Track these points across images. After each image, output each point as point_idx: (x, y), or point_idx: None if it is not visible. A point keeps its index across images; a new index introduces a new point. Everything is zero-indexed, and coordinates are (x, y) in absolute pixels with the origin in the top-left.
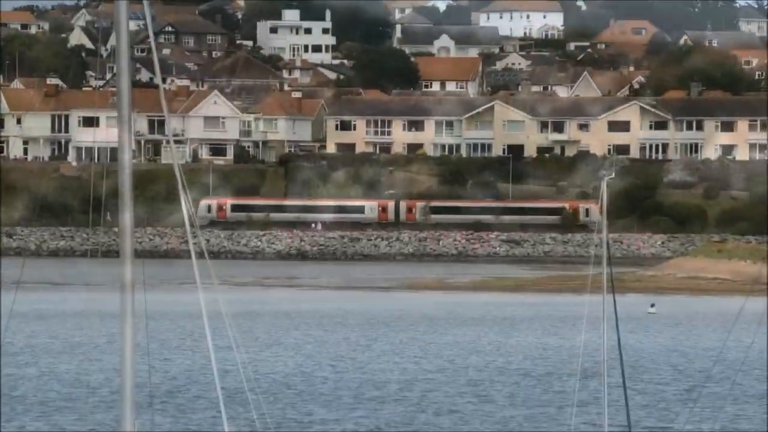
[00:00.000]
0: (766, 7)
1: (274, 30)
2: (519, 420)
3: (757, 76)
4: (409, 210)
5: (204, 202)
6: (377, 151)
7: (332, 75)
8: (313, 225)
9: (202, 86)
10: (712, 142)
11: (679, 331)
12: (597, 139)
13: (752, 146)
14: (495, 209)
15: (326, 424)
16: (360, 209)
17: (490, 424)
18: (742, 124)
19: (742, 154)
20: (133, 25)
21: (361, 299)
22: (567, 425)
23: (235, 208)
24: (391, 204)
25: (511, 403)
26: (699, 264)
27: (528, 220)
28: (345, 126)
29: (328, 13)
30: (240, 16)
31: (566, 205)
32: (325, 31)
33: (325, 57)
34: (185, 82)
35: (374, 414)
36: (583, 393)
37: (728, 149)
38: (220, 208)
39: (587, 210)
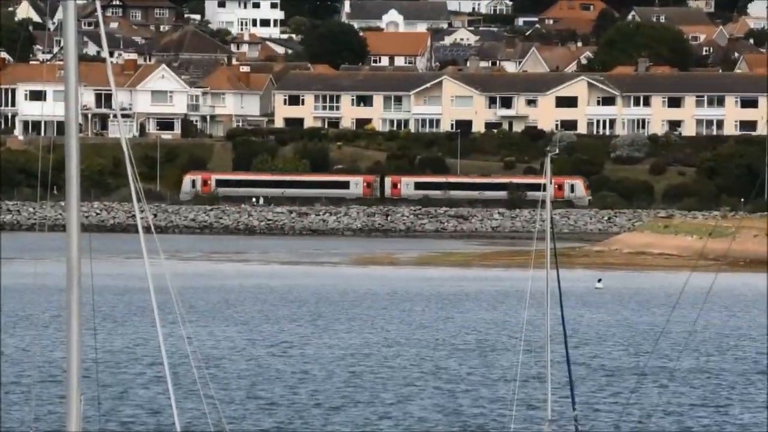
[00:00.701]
0: None
1: (222, 4)
2: (460, 395)
3: (704, 52)
4: (394, 185)
5: (188, 177)
6: (326, 126)
7: (280, 50)
8: (254, 200)
9: (150, 60)
10: (659, 117)
11: (624, 307)
12: (545, 115)
13: (699, 122)
14: (481, 185)
15: (269, 405)
16: (345, 184)
17: (430, 400)
18: (689, 100)
19: (688, 130)
20: None
21: (308, 274)
22: (508, 401)
23: (220, 183)
24: (376, 179)
25: (452, 378)
26: (646, 239)
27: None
28: (293, 101)
29: None
30: None
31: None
32: (273, 5)
33: (274, 31)
34: (133, 56)
35: (300, 392)
36: (528, 369)
37: (675, 125)
38: (205, 182)
39: (572, 186)
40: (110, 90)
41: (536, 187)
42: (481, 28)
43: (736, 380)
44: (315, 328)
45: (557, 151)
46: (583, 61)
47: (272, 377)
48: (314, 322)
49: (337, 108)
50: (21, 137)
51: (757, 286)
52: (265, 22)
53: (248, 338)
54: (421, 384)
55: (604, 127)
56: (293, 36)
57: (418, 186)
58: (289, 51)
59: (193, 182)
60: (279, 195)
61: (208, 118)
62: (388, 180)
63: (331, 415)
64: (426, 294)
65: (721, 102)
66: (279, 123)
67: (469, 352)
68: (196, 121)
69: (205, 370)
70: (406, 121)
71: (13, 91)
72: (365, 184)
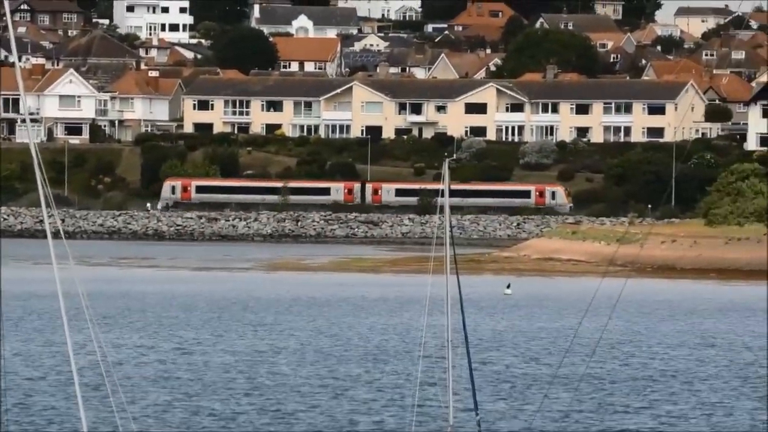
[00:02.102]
0: None
1: (130, 9)
2: (362, 401)
3: (612, 59)
4: (375, 192)
5: (168, 183)
6: (235, 131)
7: (190, 54)
8: (148, 205)
9: (58, 65)
10: (568, 124)
11: (533, 312)
12: (454, 121)
13: (606, 128)
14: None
15: (163, 411)
16: (326, 191)
17: (331, 406)
18: (597, 107)
19: (596, 137)
20: None
21: (217, 280)
22: (409, 407)
23: (200, 189)
24: (357, 186)
25: (353, 385)
26: (554, 245)
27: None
28: (203, 106)
29: None
30: None
31: (532, 188)
32: (182, 10)
33: (183, 36)
34: (40, 61)
35: (193, 401)
36: (429, 375)
37: (583, 131)
38: (185, 188)
39: (553, 193)
40: (17, 94)
41: (521, 194)
42: (390, 35)
43: (620, 386)
44: (212, 334)
45: (454, 157)
46: (492, 68)
47: (163, 384)
48: (213, 328)
49: (247, 113)
50: None
51: (658, 291)
52: (174, 27)
53: (141, 344)
54: (318, 390)
55: (513, 134)
56: (202, 41)
57: (399, 192)
58: (199, 56)
59: (173, 188)
60: (259, 201)
61: (116, 122)
62: (369, 187)
63: (223, 422)
64: (332, 299)
65: (628, 109)
66: (188, 128)
67: (369, 357)
68: (105, 125)
69: (113, 376)
70: (317, 127)
71: None
72: (346, 190)
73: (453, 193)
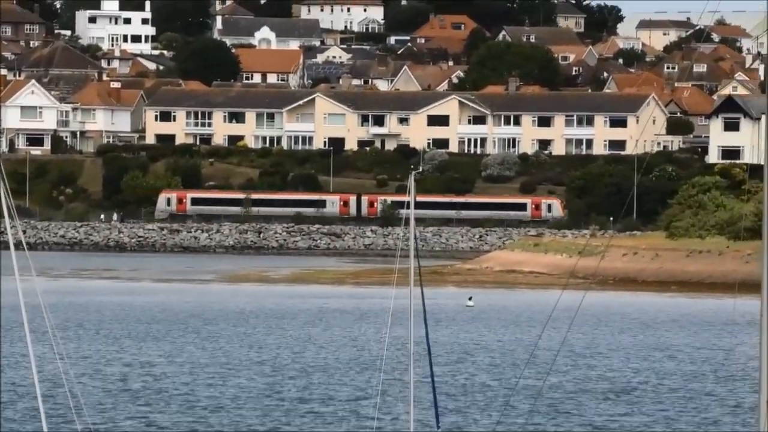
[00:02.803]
0: (583, 3)
1: (92, 20)
2: (321, 414)
3: (574, 72)
4: (371, 204)
5: (163, 195)
6: (197, 143)
7: (152, 65)
8: (102, 216)
9: (19, 75)
10: (529, 136)
11: (494, 325)
12: (417, 133)
13: (568, 141)
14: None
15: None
16: (322, 203)
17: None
18: (559, 119)
19: (558, 149)
20: None
21: (178, 292)
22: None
23: (195, 201)
24: (353, 198)
25: (311, 397)
26: (516, 257)
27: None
28: (165, 117)
29: (147, 3)
30: (58, 6)
31: (528, 201)
32: (144, 21)
33: (145, 47)
34: (2, 72)
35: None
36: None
37: (545, 144)
38: (180, 201)
39: (549, 206)
40: None
41: (517, 207)
42: (353, 46)
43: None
44: (170, 346)
45: (420, 169)
46: (455, 80)
47: (110, 395)
48: (170, 340)
49: (209, 124)
50: None
51: (619, 303)
52: (136, 38)
53: (87, 356)
54: (280, 401)
55: (475, 146)
56: (165, 52)
57: (395, 205)
58: (161, 67)
59: (168, 200)
60: (255, 214)
61: (78, 134)
62: (364, 199)
63: None
64: (293, 311)
65: (590, 121)
66: (150, 139)
67: (329, 369)
68: (66, 137)
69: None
70: (279, 138)
71: None
72: (342, 203)
73: (448, 206)
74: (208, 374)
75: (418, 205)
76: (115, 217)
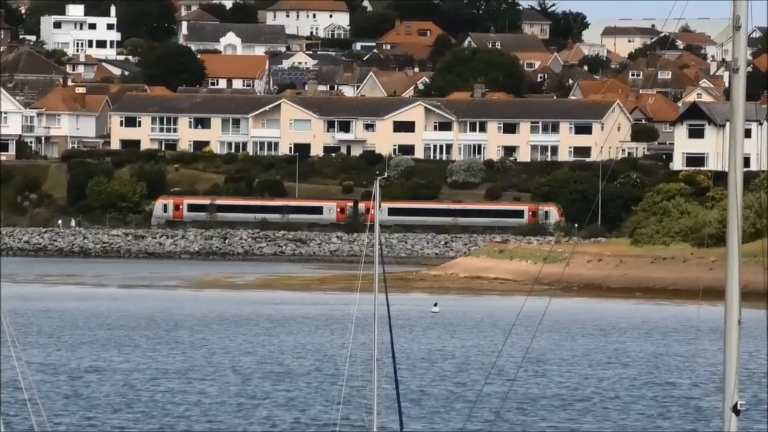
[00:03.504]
0: (548, 10)
1: (57, 25)
2: (283, 420)
3: (539, 78)
4: (368, 211)
5: (159, 202)
6: (163, 148)
7: (117, 71)
8: (59, 222)
9: None
10: (495, 143)
11: (458, 331)
12: (382, 139)
13: (534, 147)
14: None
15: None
16: (318, 210)
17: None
18: (524, 126)
19: (523, 156)
20: None
21: (143, 298)
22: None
23: (192, 207)
24: (349, 205)
25: (275, 403)
26: (481, 264)
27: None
28: (130, 122)
29: (113, 9)
30: (23, 11)
31: (525, 208)
32: (110, 26)
33: (110, 53)
34: None
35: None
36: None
37: (510, 150)
38: (177, 207)
39: (546, 213)
40: None
41: (514, 214)
42: (319, 52)
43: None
44: (131, 352)
45: (386, 175)
46: (420, 87)
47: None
48: (133, 346)
49: (175, 130)
50: None
51: (582, 310)
52: (101, 44)
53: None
54: (230, 409)
55: (441, 152)
56: (130, 57)
57: (392, 212)
58: (126, 72)
59: (165, 206)
60: (251, 220)
61: (43, 139)
62: (362, 205)
63: None
64: (257, 317)
65: (555, 128)
66: (115, 145)
67: (293, 375)
68: (31, 142)
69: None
70: (245, 144)
71: None
72: (339, 209)
73: (447, 213)
74: (164, 380)
75: (410, 212)
76: (73, 222)
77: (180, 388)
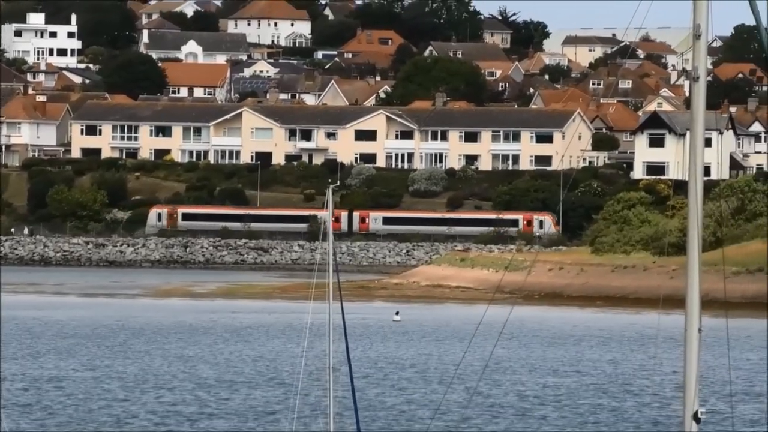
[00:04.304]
0: (509, 19)
1: (18, 33)
2: (236, 429)
3: (500, 87)
4: (362, 220)
5: (154, 211)
6: (123, 157)
7: (78, 79)
8: (12, 230)
9: None
10: (456, 152)
11: (419, 339)
12: (344, 148)
13: (495, 156)
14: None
15: None
16: (313, 219)
17: None
18: (486, 135)
19: (485, 164)
20: None
21: (102, 307)
22: None
23: (186, 216)
24: (344, 214)
25: (232, 412)
26: (443, 272)
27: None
28: (90, 131)
29: (74, 17)
30: None
31: (520, 217)
32: (70, 35)
33: (71, 61)
34: None
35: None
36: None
37: (472, 159)
38: (171, 216)
39: (541, 222)
40: None
41: (509, 223)
42: (280, 61)
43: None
44: (84, 360)
45: (338, 183)
46: (382, 95)
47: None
48: (84, 355)
49: (136, 138)
50: None
51: (544, 318)
52: (62, 52)
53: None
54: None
55: (403, 161)
56: (91, 66)
57: (387, 221)
58: (87, 81)
59: (159, 215)
60: (243, 229)
61: (3, 147)
62: (356, 215)
63: None
64: (215, 325)
65: (516, 137)
66: (76, 153)
67: (248, 384)
68: None
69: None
70: (206, 152)
71: None
72: (333, 218)
73: (442, 222)
74: (118, 389)
75: (404, 221)
76: (26, 230)
77: (136, 397)
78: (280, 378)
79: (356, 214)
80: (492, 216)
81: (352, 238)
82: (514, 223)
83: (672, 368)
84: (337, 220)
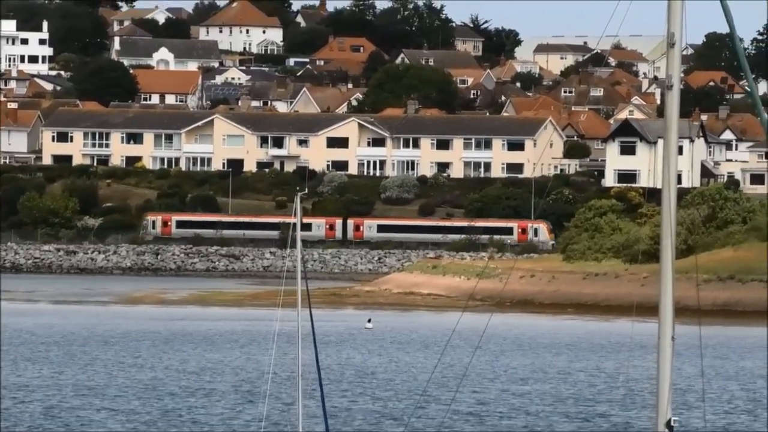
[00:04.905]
0: (481, 27)
1: None
2: None
3: (472, 95)
4: (357, 228)
5: (148, 218)
6: (95, 164)
7: (49, 86)
8: None
9: None
10: (428, 159)
11: (391, 347)
12: (316, 155)
13: (467, 164)
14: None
15: None
16: (307, 227)
17: None
18: (458, 142)
19: (457, 172)
20: None
21: (74, 314)
22: None
23: (180, 224)
24: (338, 222)
25: (194, 419)
26: (415, 279)
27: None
28: (62, 138)
29: (45, 24)
30: None
31: (515, 225)
32: (42, 42)
33: (42, 68)
34: None
35: None
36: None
37: (443, 167)
38: (165, 223)
39: (536, 230)
40: None
41: (504, 231)
42: (252, 68)
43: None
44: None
45: (306, 191)
46: (354, 103)
47: None
48: (48, 364)
49: (107, 145)
50: None
51: (516, 326)
52: (33, 59)
53: None
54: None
55: (375, 168)
56: (62, 73)
57: (381, 228)
58: (58, 87)
59: (153, 223)
60: (240, 237)
61: None
62: (350, 222)
63: None
64: (186, 333)
65: (488, 145)
66: (47, 160)
67: (213, 393)
68: None
69: None
70: (177, 159)
71: None
72: (327, 226)
73: (436, 230)
74: (81, 397)
75: (399, 229)
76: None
77: (102, 405)
78: (248, 386)
79: (351, 222)
80: (487, 224)
81: (346, 246)
82: (509, 231)
83: (645, 375)
84: (332, 227)
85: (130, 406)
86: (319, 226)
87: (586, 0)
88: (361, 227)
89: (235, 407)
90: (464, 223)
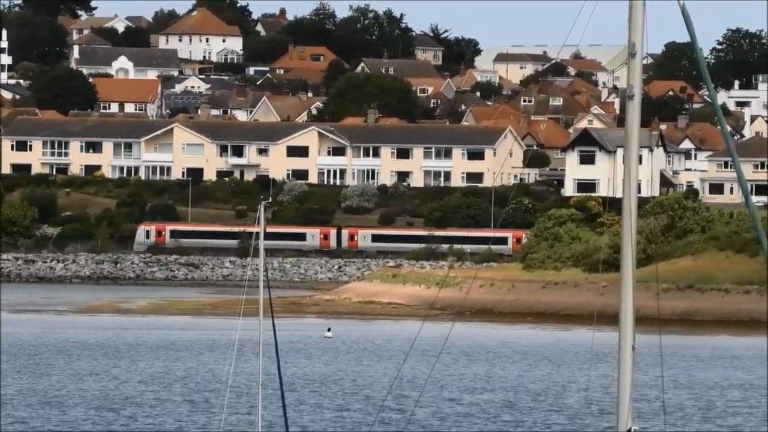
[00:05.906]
0: (441, 36)
1: None
2: None
3: (432, 104)
4: (351, 237)
5: (142, 228)
6: (54, 173)
7: (8, 94)
8: None
9: None
10: (389, 168)
11: (350, 356)
12: (276, 164)
13: (427, 173)
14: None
15: None
16: (302, 236)
17: None
18: (418, 151)
19: (417, 181)
20: None
21: (31, 323)
22: None
23: (174, 234)
24: (333, 231)
25: (155, 429)
26: (375, 288)
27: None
28: (21, 146)
29: (4, 33)
30: None
31: (509, 234)
32: (0, 50)
33: (1, 76)
34: None
35: None
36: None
37: (403, 176)
38: (159, 233)
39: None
40: None
41: (498, 241)
42: (212, 77)
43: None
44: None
45: (270, 200)
46: (314, 111)
47: None
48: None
49: (66, 154)
50: None
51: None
52: None
53: None
54: None
55: (335, 177)
56: (21, 81)
57: (376, 238)
58: (17, 96)
59: (147, 233)
60: (234, 247)
61: None
62: (345, 232)
63: None
64: (141, 343)
65: (448, 154)
66: (6, 169)
67: (170, 403)
68: None
69: None
70: (137, 168)
71: None
72: (322, 236)
73: (431, 240)
74: (32, 407)
75: (394, 239)
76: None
77: (57, 416)
78: (205, 396)
79: (345, 232)
80: (482, 234)
81: (341, 255)
82: (503, 241)
83: (604, 384)
84: (326, 237)
85: (78, 413)
86: (313, 235)
87: (545, 9)
88: (356, 237)
89: (192, 416)
90: (460, 233)
